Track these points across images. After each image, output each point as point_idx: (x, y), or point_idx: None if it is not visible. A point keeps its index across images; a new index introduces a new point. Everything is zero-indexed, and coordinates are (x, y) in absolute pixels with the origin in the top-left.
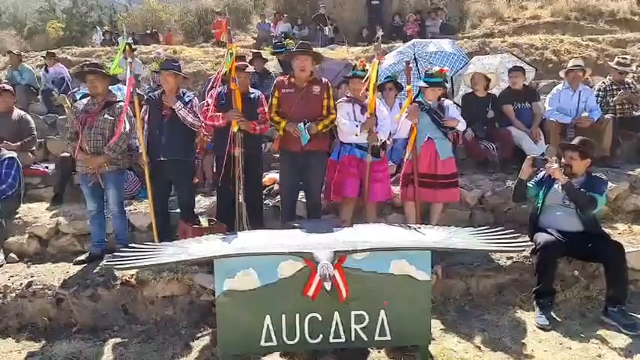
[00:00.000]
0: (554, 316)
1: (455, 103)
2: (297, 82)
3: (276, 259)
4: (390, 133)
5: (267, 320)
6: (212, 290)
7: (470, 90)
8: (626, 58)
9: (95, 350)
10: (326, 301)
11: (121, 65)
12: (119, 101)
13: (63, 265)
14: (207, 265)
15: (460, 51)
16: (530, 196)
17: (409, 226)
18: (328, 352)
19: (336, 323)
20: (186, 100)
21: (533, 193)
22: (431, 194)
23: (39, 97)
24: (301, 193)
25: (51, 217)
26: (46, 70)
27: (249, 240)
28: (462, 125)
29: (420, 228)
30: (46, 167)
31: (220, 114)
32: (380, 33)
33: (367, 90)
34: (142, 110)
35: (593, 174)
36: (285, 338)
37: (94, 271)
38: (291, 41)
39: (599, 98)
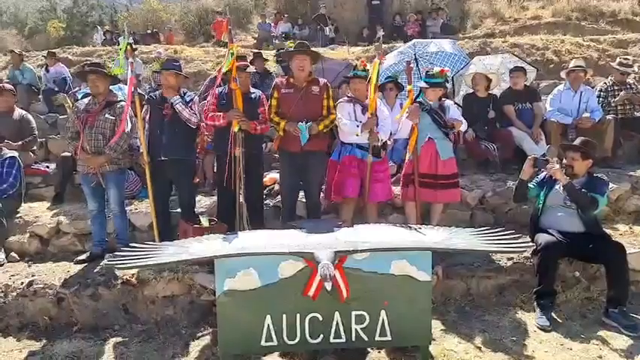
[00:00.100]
0: (555, 317)
1: (456, 103)
2: (296, 83)
3: (277, 259)
4: (390, 134)
5: (268, 320)
6: (212, 290)
7: (471, 90)
8: (628, 59)
9: (96, 349)
10: (326, 301)
11: (123, 66)
12: (120, 101)
13: (64, 264)
14: (207, 264)
15: (461, 51)
16: (531, 197)
17: (410, 227)
18: (328, 352)
19: (337, 323)
20: (187, 99)
21: (534, 194)
22: (431, 194)
23: (40, 96)
24: (301, 193)
25: (52, 217)
26: (47, 70)
27: (250, 240)
28: (462, 126)
29: (420, 228)
30: (47, 167)
31: (221, 114)
32: (381, 33)
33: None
34: (143, 110)
35: (594, 174)
36: (285, 338)
37: (95, 271)
38: (292, 43)
39: (601, 99)
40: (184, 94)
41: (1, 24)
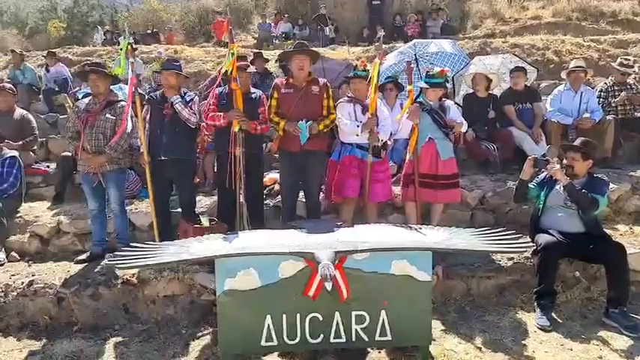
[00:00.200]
0: (555, 317)
1: (456, 103)
2: (295, 83)
3: (277, 259)
4: (390, 134)
5: (268, 320)
6: (213, 290)
7: (471, 90)
8: (629, 60)
9: (96, 349)
10: (327, 301)
11: (122, 65)
12: (120, 100)
13: (64, 264)
14: (208, 264)
15: (461, 51)
16: (532, 197)
17: (410, 227)
18: (329, 352)
19: (337, 323)
20: (188, 99)
21: (535, 194)
22: (432, 195)
23: (40, 96)
24: (301, 193)
25: (52, 217)
26: (47, 70)
27: (250, 240)
28: (463, 127)
29: (420, 228)
30: (48, 166)
31: (221, 114)
32: (381, 33)
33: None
34: (144, 110)
35: (594, 175)
36: (285, 338)
37: (95, 270)
38: (291, 43)
39: (601, 99)
40: (185, 93)
41: (1, 24)
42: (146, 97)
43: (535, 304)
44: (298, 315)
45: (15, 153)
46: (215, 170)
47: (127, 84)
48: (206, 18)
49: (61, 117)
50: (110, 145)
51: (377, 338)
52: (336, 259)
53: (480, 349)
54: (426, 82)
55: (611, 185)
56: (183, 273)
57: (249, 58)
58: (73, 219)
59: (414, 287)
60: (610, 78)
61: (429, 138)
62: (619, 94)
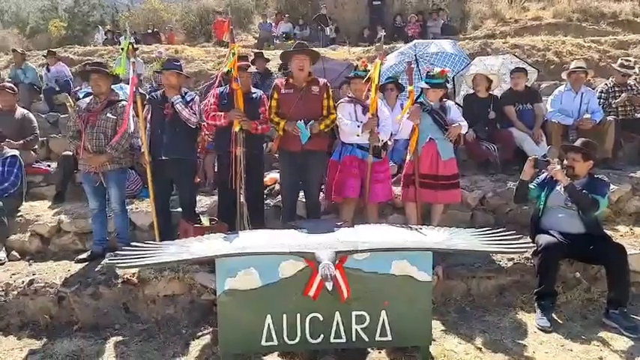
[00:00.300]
0: (556, 318)
1: (456, 103)
2: (295, 83)
3: (278, 259)
4: (391, 134)
5: (268, 320)
6: (213, 289)
7: (471, 91)
8: (630, 61)
9: (96, 348)
10: (327, 302)
11: (125, 65)
12: (122, 100)
13: (64, 263)
14: (208, 264)
15: (461, 52)
16: (532, 198)
17: (410, 227)
18: (329, 352)
19: (337, 323)
20: (188, 99)
21: (535, 195)
22: (432, 195)
23: (41, 95)
24: (301, 193)
25: (53, 216)
26: (48, 70)
27: (251, 239)
28: (463, 128)
29: (421, 229)
30: (48, 166)
31: (222, 113)
32: (382, 33)
33: (369, 90)
34: (145, 110)
35: (595, 176)
36: (285, 338)
37: (96, 270)
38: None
39: (602, 100)
40: (185, 93)
41: (2, 23)
42: (147, 96)
43: (535, 304)
44: (298, 315)
45: (16, 152)
46: (215, 170)
47: (127, 84)
48: (207, 18)
49: (61, 116)
50: (111, 144)
51: (377, 338)
52: (336, 259)
53: (480, 349)
54: (426, 83)
55: (612, 186)
56: (184, 273)
57: (249, 58)
58: (73, 218)
59: (415, 287)
60: (611, 79)
61: (430, 138)
62: (619, 95)
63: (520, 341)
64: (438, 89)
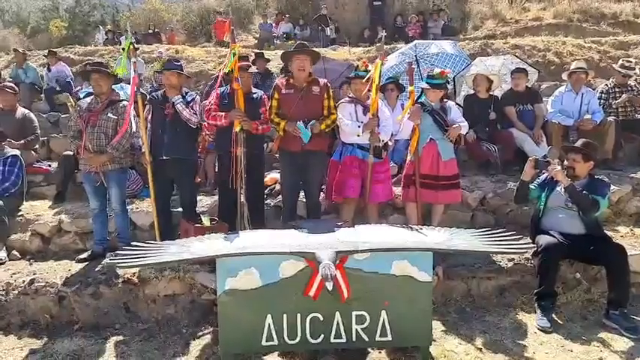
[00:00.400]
0: (556, 319)
1: (457, 104)
2: (296, 83)
3: (278, 259)
4: (391, 134)
5: (269, 320)
6: (213, 289)
7: (472, 91)
8: (631, 62)
9: (97, 348)
10: (327, 302)
11: (125, 65)
12: (122, 100)
13: (65, 262)
14: (208, 264)
15: (462, 52)
16: (533, 198)
17: (411, 227)
18: (329, 352)
19: (337, 323)
20: (189, 99)
21: (536, 195)
22: (432, 195)
23: (42, 95)
24: (302, 193)
25: (53, 215)
26: (49, 69)
27: (251, 239)
28: (464, 128)
29: (421, 229)
30: (49, 165)
31: (223, 114)
32: (383, 34)
33: (369, 91)
34: (146, 110)
35: (595, 176)
36: (286, 338)
37: (96, 269)
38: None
39: (602, 101)
40: (186, 93)
41: (3, 23)
42: (148, 97)
43: (535, 305)
44: (299, 315)
45: (17, 152)
46: (216, 170)
47: (128, 83)
48: (207, 18)
49: (62, 116)
50: (112, 144)
51: (377, 338)
52: (336, 259)
53: (480, 349)
54: (427, 83)
55: (612, 187)
56: (184, 272)
57: (250, 59)
58: (74, 218)
59: (415, 288)
60: (611, 79)
61: (430, 139)
62: (620, 96)
63: (520, 342)
64: (438, 90)
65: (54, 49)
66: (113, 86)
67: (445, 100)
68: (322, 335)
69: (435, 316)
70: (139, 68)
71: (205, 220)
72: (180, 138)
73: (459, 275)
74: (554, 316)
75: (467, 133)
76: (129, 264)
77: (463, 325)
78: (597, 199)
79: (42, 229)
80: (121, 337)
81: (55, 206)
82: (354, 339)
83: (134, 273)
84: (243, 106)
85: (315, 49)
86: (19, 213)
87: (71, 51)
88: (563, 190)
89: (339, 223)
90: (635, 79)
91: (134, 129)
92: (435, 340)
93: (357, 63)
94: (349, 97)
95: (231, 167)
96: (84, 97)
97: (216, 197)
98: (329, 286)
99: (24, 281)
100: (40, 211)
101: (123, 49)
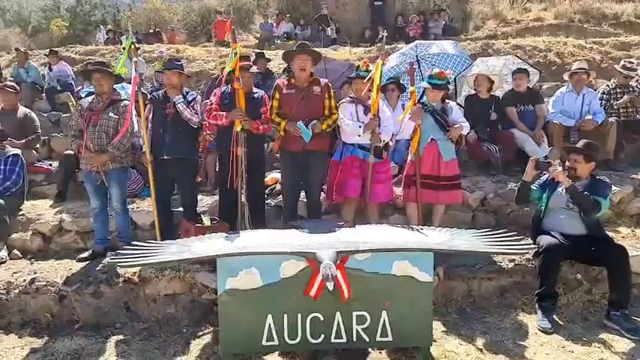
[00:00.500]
0: (557, 320)
1: (458, 104)
2: (297, 83)
3: (279, 259)
4: (392, 134)
5: (269, 319)
6: (214, 289)
7: (473, 91)
8: (633, 62)
9: (97, 347)
10: (328, 302)
11: (125, 65)
12: (123, 100)
13: (66, 262)
14: (209, 263)
15: (463, 53)
16: (534, 199)
17: (411, 228)
18: (329, 352)
19: (338, 323)
20: (190, 99)
21: (537, 196)
22: (433, 196)
23: (43, 94)
24: (302, 193)
25: (54, 214)
26: (50, 69)
27: (252, 239)
28: (465, 128)
29: (422, 229)
30: (50, 165)
31: (224, 113)
32: (383, 34)
33: (370, 91)
34: (146, 109)
35: (596, 177)
36: (286, 338)
37: (97, 269)
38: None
39: (603, 101)
40: (187, 93)
41: (4, 22)
42: (149, 96)
43: (536, 305)
44: (299, 315)
45: (18, 151)
46: (217, 170)
47: (129, 83)
48: (208, 18)
49: (63, 115)
50: (113, 143)
51: (378, 339)
52: (337, 259)
53: (480, 350)
54: (428, 83)
55: (613, 187)
56: (185, 272)
57: (251, 59)
58: (75, 217)
59: (416, 288)
60: (613, 80)
61: (431, 139)
62: (621, 97)
63: (521, 342)
64: (437, 90)
65: (55, 49)
66: (114, 86)
67: (446, 100)
68: (323, 335)
69: (435, 316)
70: (140, 68)
71: (206, 220)
72: (181, 138)
73: (460, 276)
74: (555, 316)
75: (468, 133)
76: (129, 263)
77: (464, 326)
78: (598, 200)
79: (43, 229)
80: (121, 337)
81: (56, 205)
82: (354, 339)
83: (135, 272)
84: (244, 106)
85: (315, 49)
86: (20, 212)
87: (72, 50)
88: (564, 190)
89: (340, 223)
90: (637, 80)
91: (135, 128)
92: (435, 341)
93: (358, 63)
94: (350, 97)
95: (232, 167)
96: (85, 97)
97: (216, 197)
98: (330, 286)
99: (25, 280)
100: (40, 211)
101: (124, 48)
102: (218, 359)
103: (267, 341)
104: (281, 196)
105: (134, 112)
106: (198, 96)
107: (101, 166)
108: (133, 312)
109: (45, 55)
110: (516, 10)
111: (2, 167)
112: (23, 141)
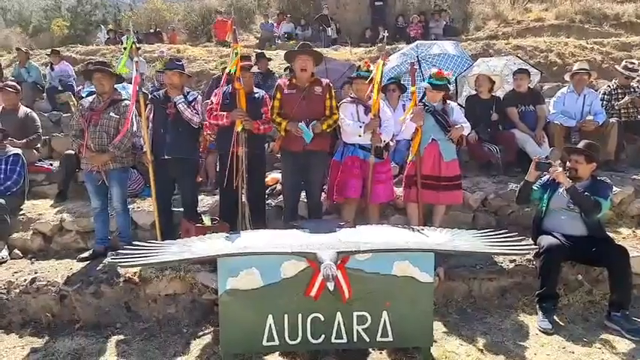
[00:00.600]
0: (557, 320)
1: (458, 104)
2: (298, 83)
3: (280, 259)
4: (393, 135)
5: (270, 320)
6: (214, 289)
7: (474, 92)
8: (634, 63)
9: (98, 347)
10: (328, 302)
11: (126, 65)
12: (124, 99)
13: (66, 261)
14: (209, 263)
15: (463, 53)
16: (534, 199)
17: (412, 228)
18: (330, 352)
19: (339, 324)
20: (190, 99)
21: (538, 196)
22: (434, 196)
23: (44, 94)
24: (303, 193)
25: (55, 214)
26: (52, 68)
27: (252, 239)
28: (466, 129)
29: (422, 230)
30: (51, 164)
31: (225, 113)
32: (384, 34)
33: (371, 91)
34: (147, 109)
35: (597, 178)
36: (287, 338)
37: (98, 268)
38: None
39: (604, 102)
40: (187, 93)
41: (5, 22)
42: (149, 96)
43: (537, 306)
44: (300, 315)
45: (18, 151)
46: (217, 170)
47: (130, 83)
48: (209, 18)
49: (64, 115)
50: (113, 143)
51: (378, 339)
52: (338, 259)
53: (481, 351)
54: (429, 84)
55: (614, 188)
56: (185, 272)
57: (252, 59)
58: (75, 217)
59: (416, 288)
60: (614, 81)
61: (432, 139)
62: (622, 97)
63: (521, 343)
64: (437, 91)
65: (57, 49)
66: (115, 85)
67: (447, 101)
68: (323, 335)
69: (436, 316)
70: (141, 68)
71: (206, 220)
72: (181, 138)
73: (461, 276)
74: (555, 317)
75: (469, 133)
76: (130, 263)
77: (464, 326)
78: (599, 201)
79: (43, 228)
80: (121, 337)
81: (57, 205)
82: (355, 339)
83: (135, 272)
84: (245, 106)
85: (316, 49)
86: (21, 212)
87: (73, 50)
88: (564, 191)
89: (341, 224)
90: (638, 81)
91: (136, 128)
92: (436, 341)
93: (359, 63)
94: (351, 98)
95: (233, 167)
96: (86, 97)
97: (217, 197)
98: (330, 286)
99: (25, 280)
100: (41, 210)
101: (125, 48)
102: (218, 359)
103: (267, 341)
104: (281, 196)
105: (135, 112)
106: (199, 96)
107: (102, 165)
108: (133, 312)
109: (46, 54)
110: (517, 11)
111: (3, 167)
112: (24, 141)
